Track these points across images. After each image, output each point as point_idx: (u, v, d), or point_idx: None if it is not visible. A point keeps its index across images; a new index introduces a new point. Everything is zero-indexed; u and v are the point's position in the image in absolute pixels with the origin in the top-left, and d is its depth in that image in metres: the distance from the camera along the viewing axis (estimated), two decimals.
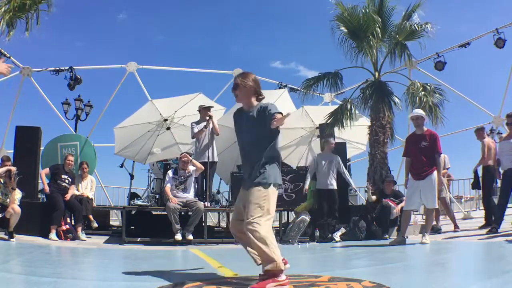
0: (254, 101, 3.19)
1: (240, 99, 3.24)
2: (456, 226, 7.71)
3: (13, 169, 6.20)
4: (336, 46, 9.14)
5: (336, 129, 8.92)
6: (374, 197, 7.74)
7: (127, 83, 13.34)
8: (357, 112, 8.96)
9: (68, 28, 34.51)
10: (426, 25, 8.64)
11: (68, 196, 7.01)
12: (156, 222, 7.27)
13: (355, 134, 9.74)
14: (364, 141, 9.90)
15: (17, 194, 6.18)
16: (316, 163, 7.64)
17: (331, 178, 7.48)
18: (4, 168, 6.17)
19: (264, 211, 2.91)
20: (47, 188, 6.98)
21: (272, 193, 3.01)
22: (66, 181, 7.25)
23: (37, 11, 8.98)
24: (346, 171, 7.73)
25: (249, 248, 3.07)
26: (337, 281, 2.95)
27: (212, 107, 7.87)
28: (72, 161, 7.56)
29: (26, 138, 7.89)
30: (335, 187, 7.52)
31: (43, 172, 7.37)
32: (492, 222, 6.75)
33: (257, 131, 3.12)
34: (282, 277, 2.82)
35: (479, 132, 8.05)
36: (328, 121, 8.96)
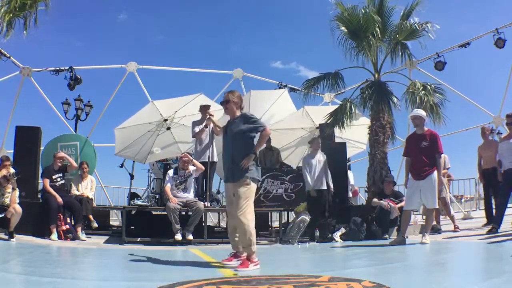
0: (238, 112, 4.23)
1: (228, 111, 4.24)
2: (456, 226, 7.71)
3: (6, 173, 6.21)
4: (336, 46, 9.13)
5: (336, 129, 8.91)
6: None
7: (127, 83, 13.35)
8: (357, 111, 8.94)
9: (68, 28, 34.53)
10: (427, 25, 8.63)
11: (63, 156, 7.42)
12: (156, 222, 7.27)
13: (355, 133, 9.73)
14: (364, 140, 9.88)
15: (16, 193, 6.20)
16: (305, 165, 7.59)
17: (319, 179, 7.45)
18: None
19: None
20: (60, 200, 6.83)
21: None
22: (58, 179, 7.22)
23: (36, 9, 8.90)
24: (329, 175, 7.62)
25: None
26: (337, 281, 2.95)
27: (209, 106, 7.85)
28: (60, 158, 7.38)
29: (26, 138, 7.88)
30: (325, 187, 7.49)
31: (46, 182, 7.05)
32: (492, 221, 6.75)
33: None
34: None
35: (486, 132, 8.05)
36: (328, 121, 8.95)
